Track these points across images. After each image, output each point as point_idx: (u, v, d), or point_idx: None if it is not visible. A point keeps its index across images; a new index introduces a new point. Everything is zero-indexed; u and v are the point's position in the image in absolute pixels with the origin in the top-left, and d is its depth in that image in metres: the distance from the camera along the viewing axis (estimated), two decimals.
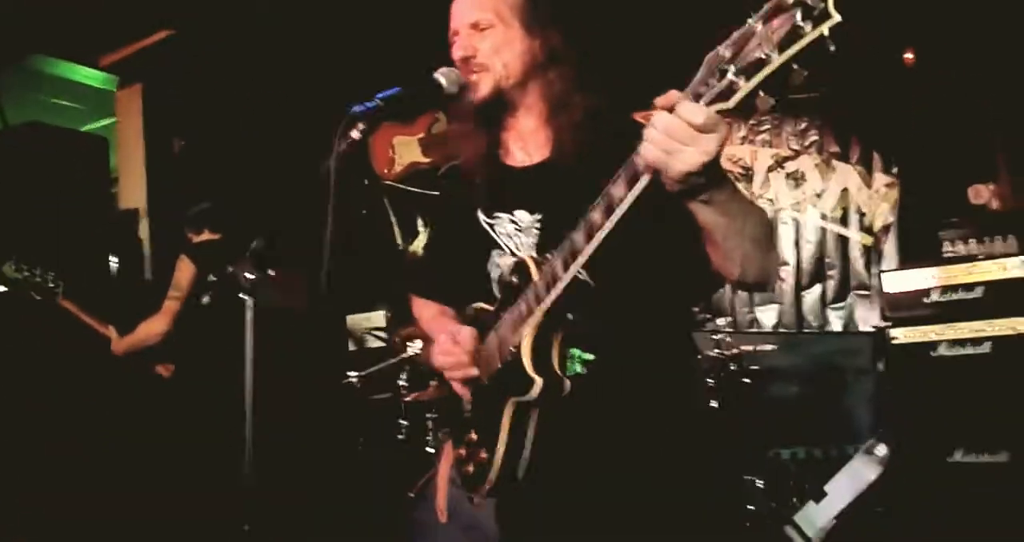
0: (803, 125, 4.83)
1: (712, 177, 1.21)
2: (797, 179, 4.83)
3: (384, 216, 5.80)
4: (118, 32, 5.29)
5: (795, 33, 0.99)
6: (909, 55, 4.51)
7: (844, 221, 4.74)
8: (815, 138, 4.82)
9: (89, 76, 5.74)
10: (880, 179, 4.68)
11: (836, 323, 4.70)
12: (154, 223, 5.59)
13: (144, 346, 3.68)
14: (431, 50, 1.78)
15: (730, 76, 1.07)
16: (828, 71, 4.37)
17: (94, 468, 4.19)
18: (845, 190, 4.74)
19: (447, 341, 1.60)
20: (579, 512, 1.50)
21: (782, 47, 1.01)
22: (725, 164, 5.12)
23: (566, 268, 1.35)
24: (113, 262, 5.27)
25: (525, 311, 1.45)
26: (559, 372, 1.44)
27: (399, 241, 5.67)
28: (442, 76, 1.56)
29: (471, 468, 1.59)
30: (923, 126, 4.44)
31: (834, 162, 4.78)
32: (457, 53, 1.61)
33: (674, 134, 1.14)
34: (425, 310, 1.90)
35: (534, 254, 1.54)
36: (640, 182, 1.21)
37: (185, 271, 3.58)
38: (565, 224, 1.36)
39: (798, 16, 0.98)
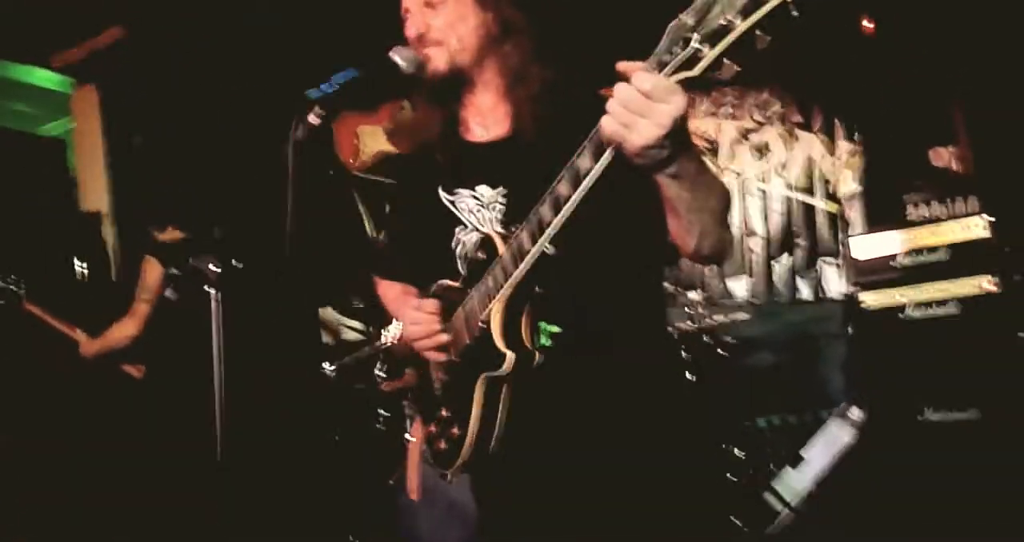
0: (764, 95, 4.85)
1: (675, 150, 1.19)
2: (762, 150, 4.86)
3: (353, 207, 5.75)
4: (69, 32, 5.17)
5: None
6: (867, 23, 4.54)
7: (810, 190, 4.78)
8: (777, 109, 4.85)
9: (43, 78, 5.61)
10: (843, 146, 4.73)
11: (806, 291, 4.75)
12: (119, 224, 5.50)
13: (114, 349, 3.64)
14: (388, 31, 1.76)
15: (694, 44, 1.06)
16: (787, 41, 4.40)
17: (69, 471, 4.14)
18: (809, 159, 4.78)
19: (412, 312, 1.60)
20: (555, 485, 1.51)
21: (746, 12, 1.00)
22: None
23: (533, 241, 1.35)
24: (79, 265, 5.19)
25: (493, 286, 1.45)
26: (529, 346, 1.44)
27: (370, 232, 5.63)
28: (397, 55, 1.55)
29: (443, 444, 1.59)
30: (883, 92, 4.48)
31: (797, 131, 4.81)
32: (410, 31, 1.59)
33: (629, 105, 1.13)
34: (390, 290, 1.89)
35: (499, 229, 1.54)
36: (606, 154, 1.21)
37: (152, 272, 3.52)
38: (528, 197, 1.36)
39: None
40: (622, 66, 1.16)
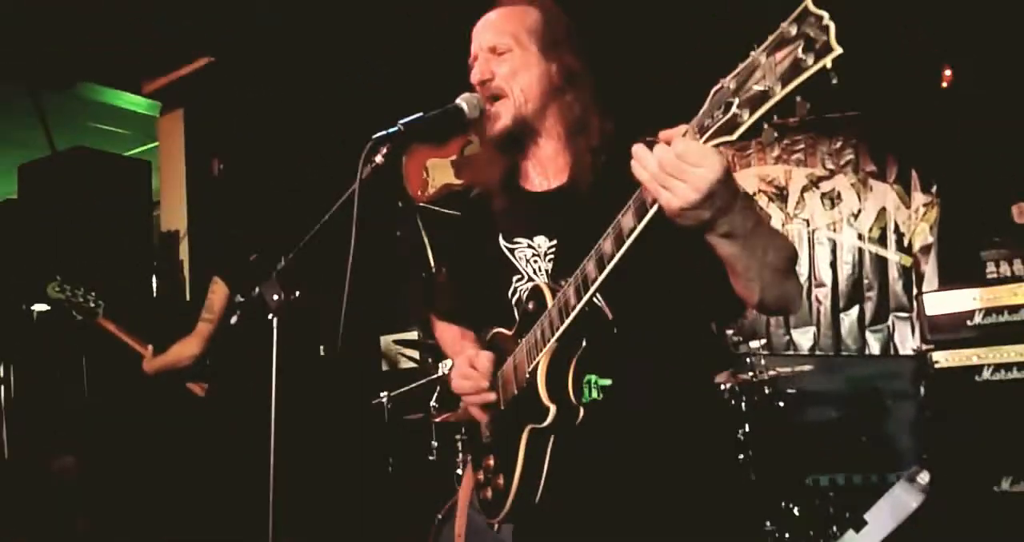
0: (838, 144, 4.76)
1: (720, 211, 1.19)
2: (833, 199, 4.76)
3: (417, 237, 5.83)
4: (160, 59, 5.44)
5: (797, 66, 0.98)
6: (947, 72, 4.44)
7: (882, 241, 4.65)
8: (851, 157, 4.75)
9: (133, 102, 5.90)
10: (918, 198, 4.59)
11: (875, 346, 4.59)
12: (193, 245, 5.69)
13: (175, 368, 3.70)
14: (462, 75, 1.80)
15: (734, 109, 1.07)
16: (865, 90, 4.33)
17: (129, 483, 4.25)
18: (883, 209, 4.66)
19: (464, 365, 1.61)
20: (596, 539, 1.49)
21: (785, 80, 1.00)
22: (759, 184, 5.10)
23: (579, 297, 1.36)
24: (154, 283, 5.38)
25: (540, 338, 1.46)
26: (573, 399, 1.44)
27: (432, 262, 5.70)
28: (463, 101, 1.59)
29: (489, 493, 1.59)
30: (961, 144, 4.35)
31: (871, 181, 4.70)
32: (475, 77, 1.63)
33: (665, 167, 1.14)
34: (447, 332, 1.91)
35: (549, 280, 1.55)
36: (649, 213, 1.21)
37: (219, 293, 3.61)
38: (580, 250, 1.36)
39: (800, 49, 0.97)
40: (664, 135, 1.18)
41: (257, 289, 1.73)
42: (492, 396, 1.58)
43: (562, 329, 1.40)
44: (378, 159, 1.49)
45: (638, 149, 1.18)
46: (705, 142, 1.12)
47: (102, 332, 3.79)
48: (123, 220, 5.22)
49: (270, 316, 1.72)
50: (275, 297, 1.68)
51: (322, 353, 3.60)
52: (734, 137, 1.08)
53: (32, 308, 4.76)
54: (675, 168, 1.13)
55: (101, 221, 5.04)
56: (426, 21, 4.40)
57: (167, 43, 5.11)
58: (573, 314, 1.37)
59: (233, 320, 1.96)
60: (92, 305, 3.77)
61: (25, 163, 5.21)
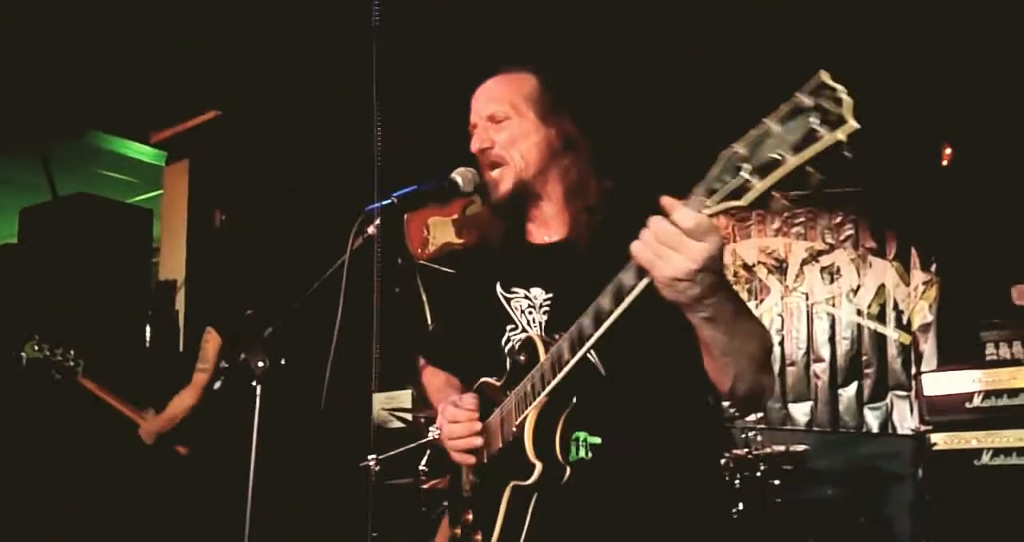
0: (838, 219, 4.79)
1: (708, 291, 1.18)
2: (832, 273, 4.75)
3: (416, 295, 5.82)
4: (169, 110, 5.53)
5: (811, 136, 0.98)
6: (947, 151, 4.49)
7: (881, 318, 4.63)
8: (851, 232, 4.76)
9: (140, 151, 5.98)
10: (918, 276, 4.59)
11: (874, 423, 4.52)
12: (190, 295, 5.67)
13: (174, 422, 3.61)
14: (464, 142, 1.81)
15: (744, 174, 1.06)
16: (866, 166, 4.37)
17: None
18: (882, 286, 4.65)
19: (451, 409, 1.58)
20: None
21: (797, 149, 1.00)
22: (759, 256, 5.10)
23: (572, 352, 1.33)
24: (148, 332, 5.33)
25: (530, 392, 1.43)
26: (560, 458, 1.40)
27: (429, 320, 5.67)
28: (458, 176, 1.61)
29: None
30: (961, 223, 4.37)
31: (870, 257, 4.70)
32: (475, 145, 1.65)
33: (662, 237, 1.13)
34: (435, 379, 1.89)
35: (543, 333, 1.53)
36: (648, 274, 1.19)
37: (212, 343, 3.59)
38: (576, 304, 1.35)
39: (814, 120, 0.98)
40: (666, 202, 1.16)
41: (243, 355, 1.70)
42: (479, 440, 1.53)
43: (553, 383, 1.37)
44: (370, 230, 1.49)
45: (643, 231, 1.16)
46: (712, 205, 1.11)
47: (84, 391, 3.72)
48: (122, 267, 5.21)
49: (253, 383, 1.69)
50: (260, 364, 1.65)
51: (312, 416, 3.55)
52: (744, 202, 1.08)
53: (23, 354, 4.71)
54: (673, 239, 1.12)
55: (100, 267, 5.03)
56: (432, 86, 4.47)
57: (176, 95, 5.19)
58: (566, 369, 1.34)
59: (217, 385, 1.93)
60: (71, 364, 3.71)
61: (27, 207, 5.24)
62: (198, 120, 5.58)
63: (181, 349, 5.54)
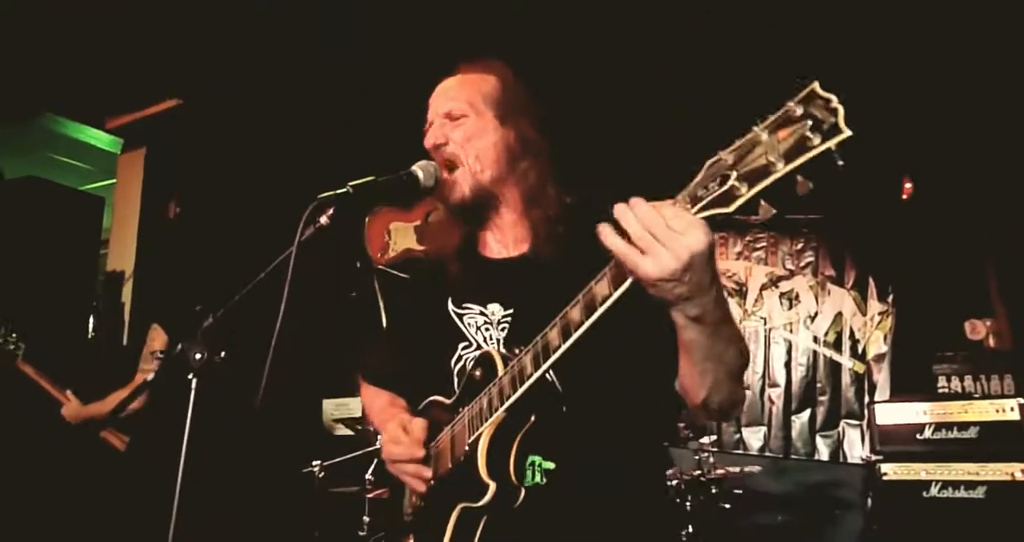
0: (799, 245, 4.83)
1: (696, 290, 1.13)
2: (791, 299, 4.78)
3: (372, 299, 5.71)
4: (127, 97, 5.38)
5: (803, 144, 0.97)
6: (907, 185, 4.55)
7: (837, 346, 4.66)
8: (811, 259, 4.80)
9: (95, 137, 5.80)
10: (875, 306, 4.64)
11: (824, 451, 4.54)
12: (138, 287, 5.50)
13: (103, 415, 3.50)
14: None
15: (732, 181, 1.04)
16: (827, 194, 4.41)
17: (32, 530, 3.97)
18: (839, 314, 4.69)
19: (397, 429, 1.51)
20: None
21: (788, 157, 0.99)
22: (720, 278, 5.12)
23: (536, 366, 1.28)
24: (91, 323, 5.16)
25: (487, 408, 1.37)
26: (515, 479, 1.34)
27: (385, 324, 5.57)
28: (419, 169, 1.54)
29: None
30: (918, 256, 4.43)
31: (829, 285, 4.74)
32: (429, 141, 1.59)
33: (653, 230, 1.08)
34: (376, 399, 1.79)
35: (501, 349, 1.46)
36: (627, 282, 1.14)
37: (158, 341, 3.45)
38: (538, 320, 1.29)
39: (807, 128, 0.96)
40: (637, 202, 1.11)
41: (180, 345, 1.61)
42: (427, 471, 1.47)
43: (514, 398, 1.31)
44: (323, 220, 1.41)
45: (620, 208, 1.11)
46: (697, 213, 1.07)
47: (21, 375, 3.59)
48: (69, 255, 5.04)
49: (190, 376, 1.59)
50: (197, 356, 1.56)
51: (253, 416, 3.43)
52: (730, 209, 1.05)
53: None
54: (661, 232, 1.07)
55: (46, 254, 4.86)
56: (395, 82, 4.42)
57: (136, 81, 5.05)
58: (528, 382, 1.29)
59: (150, 376, 1.82)
60: (11, 347, 3.59)
61: None
62: (157, 108, 5.42)
63: (125, 343, 5.36)
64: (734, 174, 1.03)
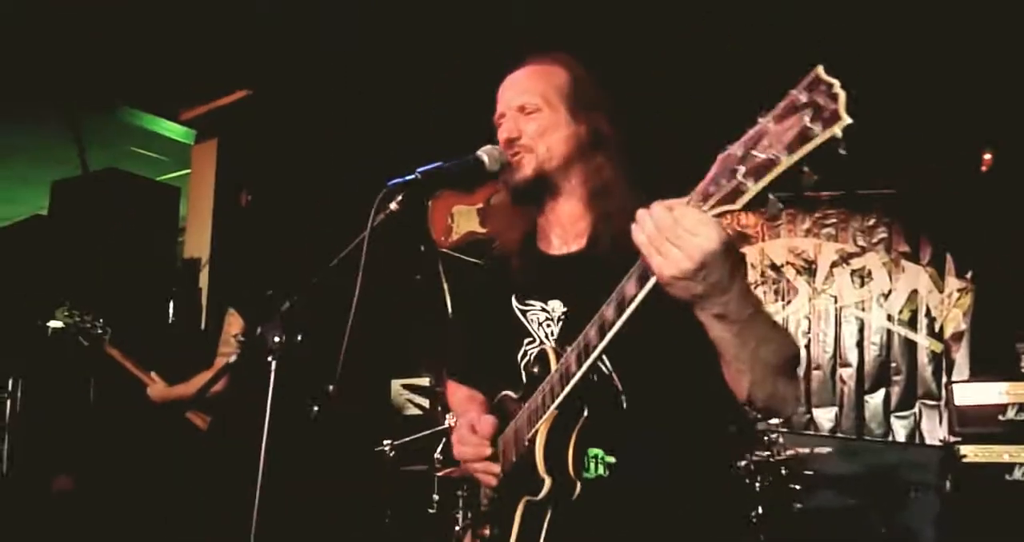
0: (871, 221, 4.68)
1: (714, 289, 1.12)
2: (863, 277, 4.65)
3: (437, 283, 5.79)
4: (199, 89, 5.54)
5: (805, 134, 0.94)
6: (987, 157, 4.37)
7: (912, 324, 4.52)
8: (884, 235, 4.66)
9: (170, 129, 6.00)
10: (952, 283, 4.48)
11: (900, 432, 4.43)
12: (214, 273, 5.69)
13: (187, 397, 3.62)
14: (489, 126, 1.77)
15: (739, 177, 1.02)
16: (901, 169, 4.27)
17: (121, 508, 4.19)
18: (914, 292, 4.54)
19: (465, 428, 1.55)
20: None
21: (791, 148, 0.96)
22: (788, 256, 5.01)
23: (579, 364, 1.30)
24: (171, 309, 5.37)
25: (541, 404, 1.40)
26: (572, 473, 1.36)
27: (450, 308, 5.63)
28: (484, 154, 1.56)
29: None
30: (1000, 231, 4.25)
31: (903, 262, 4.60)
32: (502, 135, 1.60)
33: (662, 230, 1.09)
34: (457, 392, 1.85)
35: (557, 345, 1.49)
36: (650, 281, 1.15)
37: (234, 326, 3.56)
38: (591, 316, 1.30)
39: (807, 117, 0.93)
40: (664, 203, 1.12)
41: (259, 329, 1.68)
42: (496, 467, 1.51)
43: (561, 396, 1.33)
44: (392, 206, 1.45)
45: (640, 212, 1.13)
46: (708, 210, 1.07)
47: (109, 358, 3.76)
48: (148, 243, 5.24)
49: (269, 358, 1.66)
50: (276, 339, 1.63)
51: (329, 396, 3.53)
52: (737, 206, 1.04)
53: (48, 324, 4.76)
54: (671, 232, 1.08)
55: (126, 243, 5.06)
56: (463, 67, 4.44)
57: (207, 73, 5.20)
58: (573, 381, 1.31)
59: (232, 359, 1.90)
60: (99, 331, 3.74)
61: (58, 180, 5.28)
62: (228, 99, 5.58)
63: (203, 327, 5.57)
64: (742, 169, 1.01)
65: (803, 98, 0.95)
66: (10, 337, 4.75)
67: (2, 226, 5.89)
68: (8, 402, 4.63)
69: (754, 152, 1.00)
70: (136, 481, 4.36)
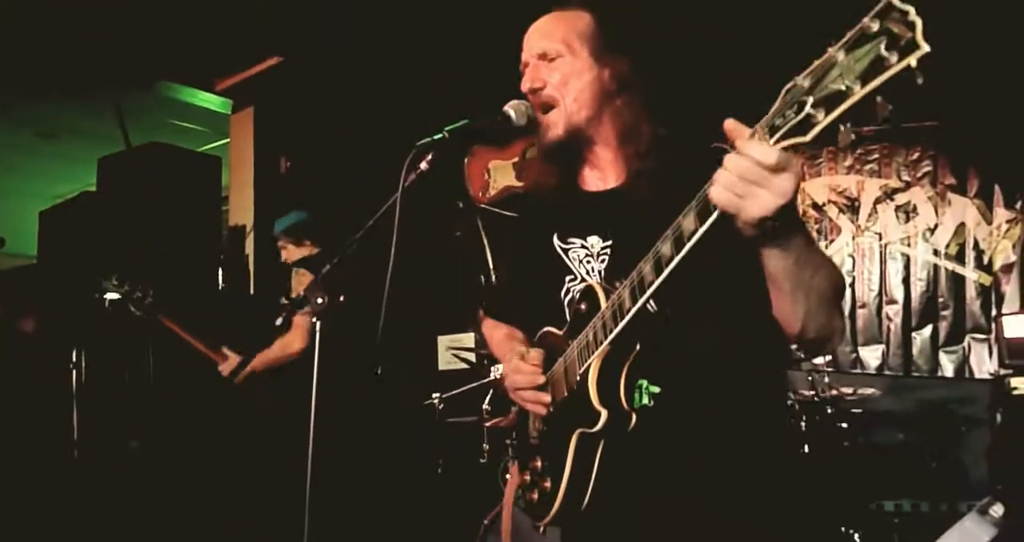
0: (915, 155, 4.56)
1: (788, 222, 1.15)
2: (908, 212, 4.55)
3: (477, 239, 5.83)
4: (233, 58, 5.59)
5: (879, 64, 0.92)
6: None
7: (960, 258, 4.43)
8: (928, 169, 4.53)
9: (207, 100, 6.08)
10: (1001, 214, 4.36)
11: (949, 367, 4.37)
12: (259, 240, 5.82)
13: (272, 364, 3.65)
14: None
15: (808, 109, 1.00)
16: (945, 99, 4.13)
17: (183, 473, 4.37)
18: (961, 225, 4.43)
19: (516, 359, 1.59)
20: None
21: (865, 79, 0.94)
22: (830, 195, 4.92)
23: (634, 300, 1.32)
24: (220, 276, 5.51)
25: (592, 340, 1.42)
26: (625, 405, 1.39)
27: (491, 263, 5.68)
28: (511, 109, 1.58)
29: (535, 496, 1.57)
30: None
31: (949, 195, 4.48)
32: (526, 85, 1.61)
33: (747, 176, 1.08)
34: (496, 332, 1.89)
35: (602, 281, 1.51)
36: (711, 217, 1.16)
37: (305, 284, 3.61)
38: (634, 252, 1.33)
39: (882, 46, 0.91)
40: (730, 125, 1.12)
41: (302, 292, 1.74)
42: (547, 397, 1.54)
43: (616, 332, 1.36)
44: (423, 166, 1.48)
45: (718, 171, 1.12)
46: (775, 143, 1.05)
47: (166, 329, 3.82)
48: (193, 214, 5.36)
49: (313, 319, 1.73)
50: (319, 301, 1.69)
51: (375, 353, 3.62)
52: (808, 138, 1.02)
53: (105, 296, 4.92)
54: (758, 176, 1.08)
55: (173, 214, 5.19)
56: (491, 25, 4.40)
57: (239, 42, 5.23)
58: (628, 317, 1.33)
59: (278, 322, 1.98)
60: (148, 301, 3.79)
61: (104, 157, 5.41)
62: (261, 67, 5.62)
63: (252, 292, 5.72)
64: (810, 100, 0.99)
65: (875, 27, 0.92)
66: (70, 311, 4.93)
67: (55, 204, 6.07)
68: (74, 372, 4.83)
69: (823, 83, 0.98)
70: (195, 444, 4.53)
